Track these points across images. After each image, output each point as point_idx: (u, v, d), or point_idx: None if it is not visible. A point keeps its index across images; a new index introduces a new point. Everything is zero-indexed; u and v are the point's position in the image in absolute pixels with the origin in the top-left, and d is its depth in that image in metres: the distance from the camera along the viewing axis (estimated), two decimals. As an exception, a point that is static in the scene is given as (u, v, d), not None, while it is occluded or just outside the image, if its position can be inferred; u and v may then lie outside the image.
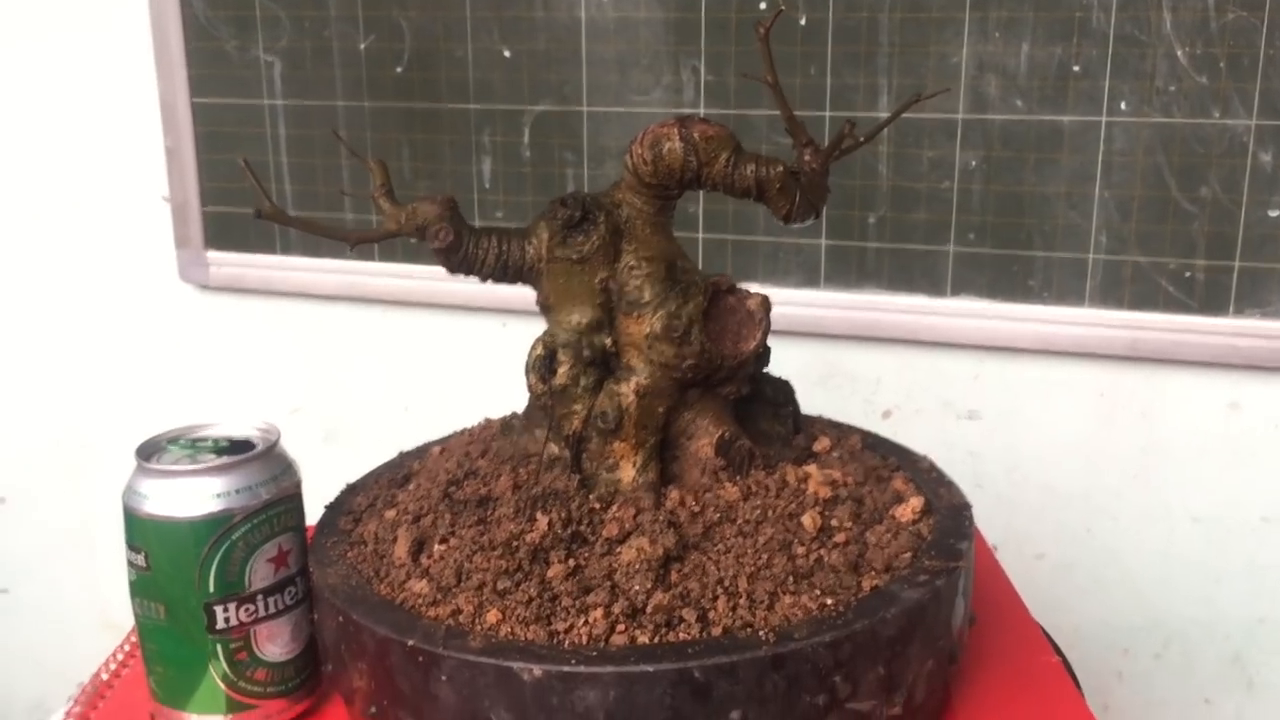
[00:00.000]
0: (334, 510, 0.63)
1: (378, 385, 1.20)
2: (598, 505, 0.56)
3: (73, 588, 1.37)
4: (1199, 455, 0.97)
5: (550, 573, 0.52)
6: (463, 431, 0.69)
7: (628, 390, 0.57)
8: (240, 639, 0.56)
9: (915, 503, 0.58)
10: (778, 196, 0.56)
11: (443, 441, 0.69)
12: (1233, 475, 0.97)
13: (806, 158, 0.57)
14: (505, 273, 0.58)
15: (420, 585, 0.53)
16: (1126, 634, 1.02)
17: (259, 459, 0.56)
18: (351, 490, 0.65)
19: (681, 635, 0.49)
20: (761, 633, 0.48)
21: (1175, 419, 0.97)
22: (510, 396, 0.65)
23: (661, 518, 0.54)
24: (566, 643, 0.48)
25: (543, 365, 0.58)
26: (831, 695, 0.49)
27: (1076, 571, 1.02)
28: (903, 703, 0.52)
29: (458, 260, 0.58)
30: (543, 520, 0.54)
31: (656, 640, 0.49)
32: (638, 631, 0.49)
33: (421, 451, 0.69)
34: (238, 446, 0.58)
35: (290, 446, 0.59)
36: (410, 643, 0.49)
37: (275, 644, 0.57)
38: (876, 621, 0.49)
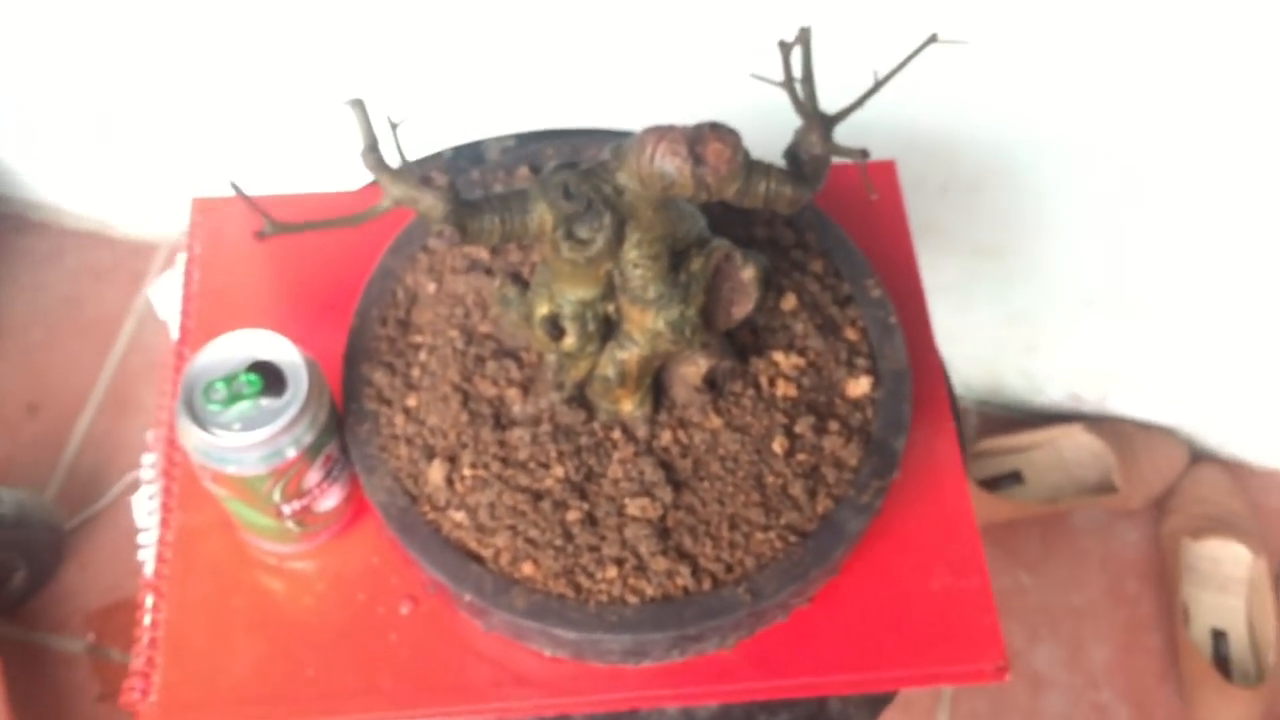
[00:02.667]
0: (354, 377, 0.69)
1: None
2: (602, 433, 0.65)
3: None
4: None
5: (569, 517, 0.64)
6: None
7: (629, 357, 0.62)
8: (302, 510, 0.68)
9: (864, 382, 0.68)
10: (785, 204, 0.57)
11: (432, 256, 0.73)
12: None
13: (815, 148, 0.56)
14: (508, 242, 0.59)
15: (459, 516, 0.64)
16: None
17: (306, 403, 0.62)
18: (358, 337, 0.70)
19: (679, 582, 0.63)
20: (740, 590, 0.63)
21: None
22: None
23: (654, 460, 0.64)
24: (591, 603, 0.63)
25: (548, 325, 0.62)
26: (787, 609, 0.66)
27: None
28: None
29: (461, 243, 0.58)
30: (558, 468, 0.64)
31: (660, 594, 0.63)
32: (645, 584, 0.63)
33: (412, 263, 0.73)
34: (273, 382, 0.63)
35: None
36: (467, 597, 0.63)
37: (328, 499, 0.69)
38: (827, 562, 0.64)
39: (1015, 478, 1.36)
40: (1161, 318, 1.23)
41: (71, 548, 1.31)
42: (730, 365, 0.66)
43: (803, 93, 0.57)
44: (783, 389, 0.67)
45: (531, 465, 0.65)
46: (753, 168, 0.55)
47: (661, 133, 0.54)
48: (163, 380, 0.79)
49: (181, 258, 0.82)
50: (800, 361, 0.68)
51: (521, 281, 0.69)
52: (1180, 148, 1.02)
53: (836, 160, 0.57)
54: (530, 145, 0.81)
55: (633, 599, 0.62)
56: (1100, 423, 1.36)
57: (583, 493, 0.64)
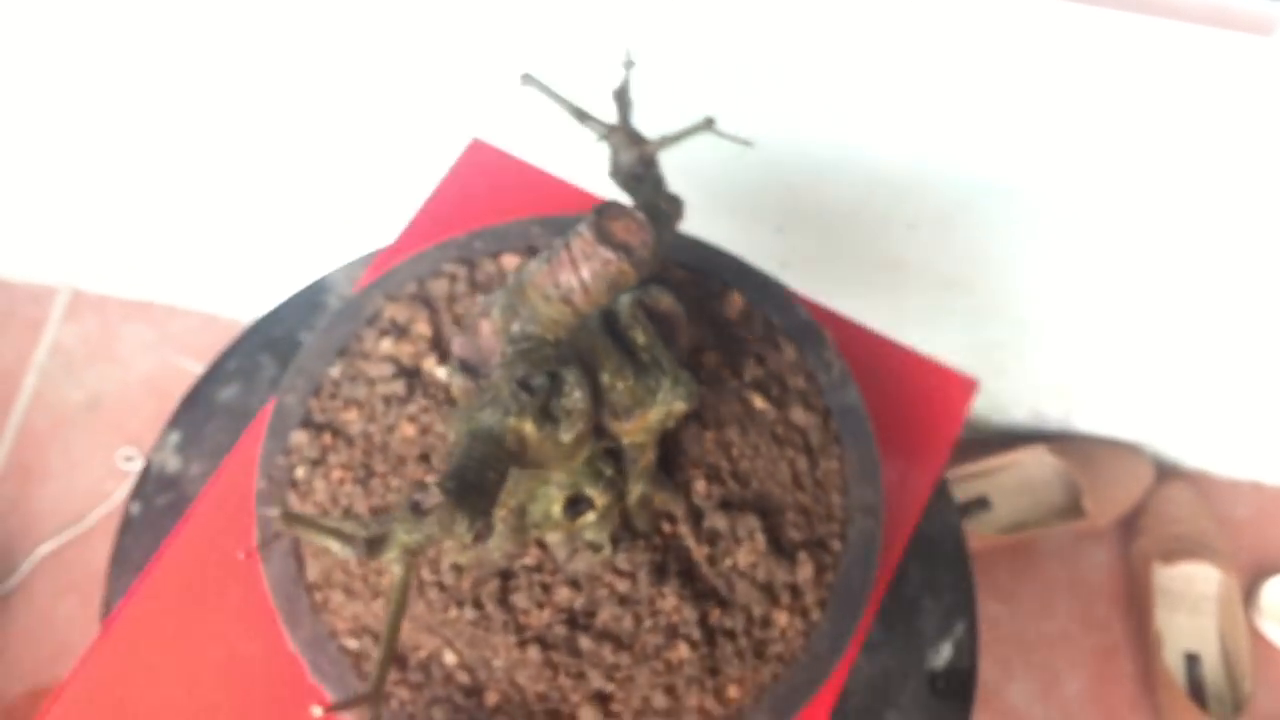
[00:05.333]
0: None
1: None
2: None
3: None
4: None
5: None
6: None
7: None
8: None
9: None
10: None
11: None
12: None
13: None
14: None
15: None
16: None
17: None
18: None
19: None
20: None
21: None
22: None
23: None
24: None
25: (571, 511, 0.55)
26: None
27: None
28: None
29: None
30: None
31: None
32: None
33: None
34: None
35: None
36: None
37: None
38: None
39: (982, 503, 1.32)
40: (1125, 336, 1.20)
41: (-18, 633, 1.21)
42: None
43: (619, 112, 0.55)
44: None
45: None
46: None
47: (566, 252, 0.47)
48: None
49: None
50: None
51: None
52: (1135, 178, 0.98)
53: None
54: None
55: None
56: (1064, 442, 1.33)
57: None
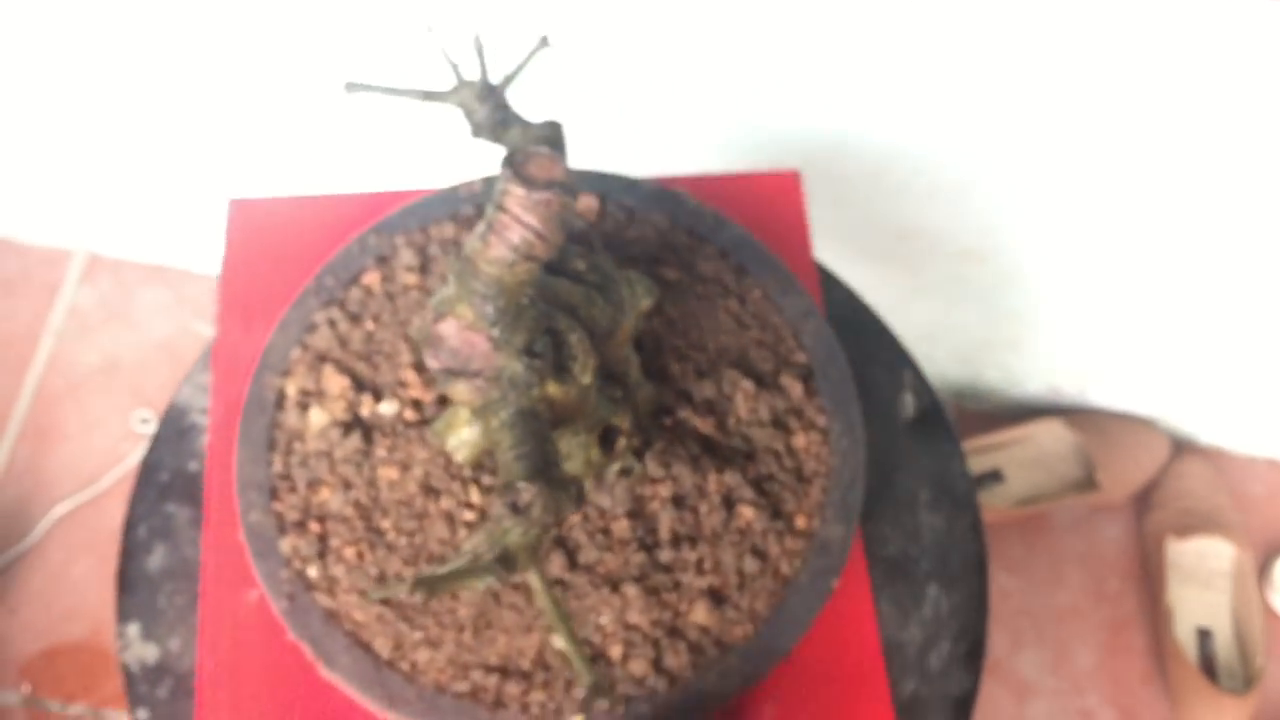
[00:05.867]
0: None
1: None
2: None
3: None
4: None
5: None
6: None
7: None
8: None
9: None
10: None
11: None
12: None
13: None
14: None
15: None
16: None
17: None
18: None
19: None
20: None
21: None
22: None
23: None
24: None
25: (605, 445, 0.56)
26: None
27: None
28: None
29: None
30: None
31: None
32: None
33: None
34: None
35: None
36: None
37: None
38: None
39: (995, 476, 1.31)
40: (1142, 310, 1.19)
41: (-2, 592, 1.21)
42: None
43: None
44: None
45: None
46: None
47: (504, 215, 0.47)
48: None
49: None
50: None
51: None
52: (1156, 148, 0.97)
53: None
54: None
55: None
56: (1079, 416, 1.32)
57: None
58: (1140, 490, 1.32)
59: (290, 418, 0.65)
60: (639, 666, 0.58)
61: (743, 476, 0.62)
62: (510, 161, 0.46)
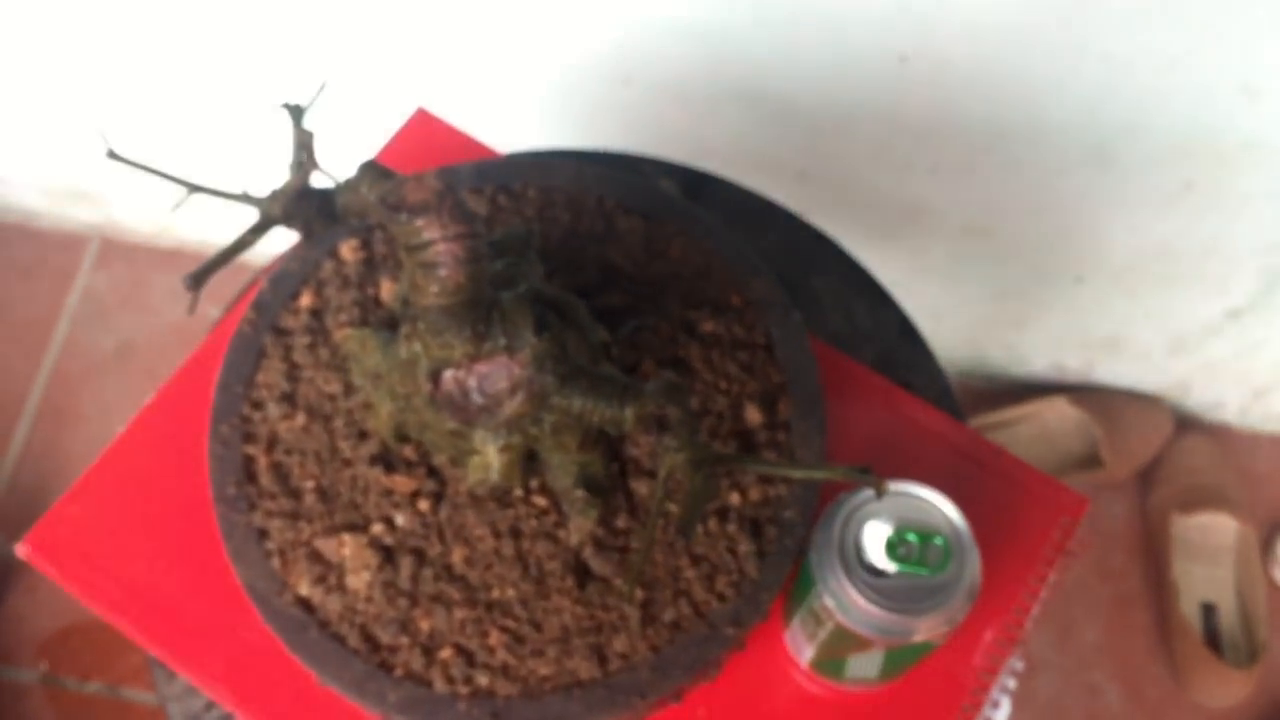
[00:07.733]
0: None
1: None
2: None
3: None
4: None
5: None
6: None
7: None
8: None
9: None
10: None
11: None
12: None
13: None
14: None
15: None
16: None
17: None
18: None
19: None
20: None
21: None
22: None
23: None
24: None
25: (650, 423, 0.55)
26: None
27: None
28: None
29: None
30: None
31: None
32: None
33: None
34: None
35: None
36: None
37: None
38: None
39: (1000, 454, 1.32)
40: (1145, 286, 1.20)
41: (16, 572, 1.23)
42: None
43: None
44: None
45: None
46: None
47: (421, 250, 0.47)
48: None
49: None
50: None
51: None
52: (1155, 121, 0.97)
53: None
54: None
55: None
56: (1084, 394, 1.33)
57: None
58: (1145, 467, 1.33)
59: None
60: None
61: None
62: (388, 205, 0.46)
